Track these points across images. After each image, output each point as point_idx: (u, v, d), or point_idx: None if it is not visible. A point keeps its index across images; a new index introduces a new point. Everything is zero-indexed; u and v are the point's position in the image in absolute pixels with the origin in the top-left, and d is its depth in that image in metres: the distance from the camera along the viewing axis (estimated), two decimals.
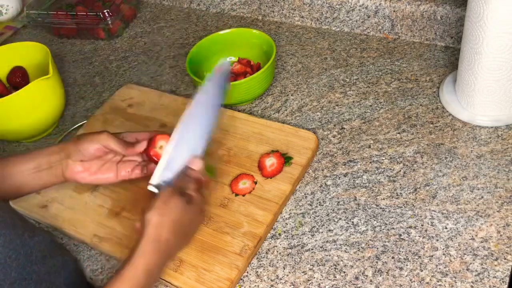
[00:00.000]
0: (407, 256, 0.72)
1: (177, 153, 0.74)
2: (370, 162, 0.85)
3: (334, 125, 0.93)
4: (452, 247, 0.71)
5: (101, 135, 0.78)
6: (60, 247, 0.76)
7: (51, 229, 0.86)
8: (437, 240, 0.73)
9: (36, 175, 0.77)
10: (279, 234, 0.78)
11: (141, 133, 0.82)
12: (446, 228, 0.74)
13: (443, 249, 0.71)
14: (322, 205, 0.80)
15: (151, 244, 0.65)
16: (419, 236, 0.73)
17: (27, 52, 1.08)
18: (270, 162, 0.85)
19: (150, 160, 0.79)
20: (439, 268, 0.69)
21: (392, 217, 0.77)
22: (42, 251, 0.67)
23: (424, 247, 0.72)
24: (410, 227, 0.75)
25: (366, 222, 0.77)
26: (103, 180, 0.80)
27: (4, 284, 0.60)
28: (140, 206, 0.75)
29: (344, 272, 0.72)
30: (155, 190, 0.71)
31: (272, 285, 0.72)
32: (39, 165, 0.77)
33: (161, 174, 0.72)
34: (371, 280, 0.70)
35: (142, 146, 0.79)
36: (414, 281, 0.69)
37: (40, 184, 0.79)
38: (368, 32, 1.11)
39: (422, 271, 0.70)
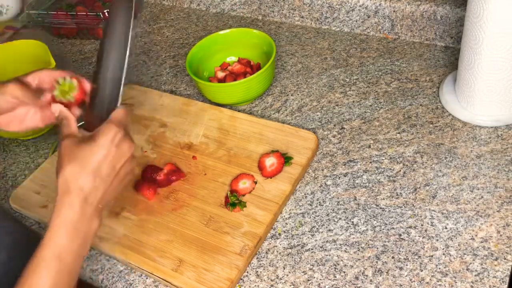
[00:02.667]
0: (407, 256, 0.72)
1: (99, 88, 0.69)
2: (370, 162, 0.85)
3: (334, 125, 0.93)
4: (452, 247, 0.71)
5: (8, 86, 0.70)
6: (29, 238, 0.72)
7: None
8: (437, 240, 0.73)
9: None
10: (279, 234, 0.78)
11: (53, 71, 0.74)
12: (446, 228, 0.74)
13: (443, 249, 0.71)
14: (322, 205, 0.80)
15: (61, 198, 0.59)
16: (419, 236, 0.73)
17: (26, 51, 1.08)
18: (270, 162, 0.85)
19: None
20: (439, 268, 0.69)
21: (392, 217, 0.77)
22: (10, 242, 0.67)
23: (424, 247, 0.72)
24: (410, 227, 0.75)
25: (366, 222, 0.77)
26: (33, 126, 0.74)
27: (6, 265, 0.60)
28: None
29: (344, 272, 0.72)
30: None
31: (272, 285, 0.72)
32: None
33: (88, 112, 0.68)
34: (371, 280, 0.70)
35: (47, 96, 0.72)
36: (414, 281, 0.69)
37: None
38: (368, 32, 1.11)
39: (422, 271, 0.70)
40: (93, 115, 0.69)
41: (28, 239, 0.65)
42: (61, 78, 0.71)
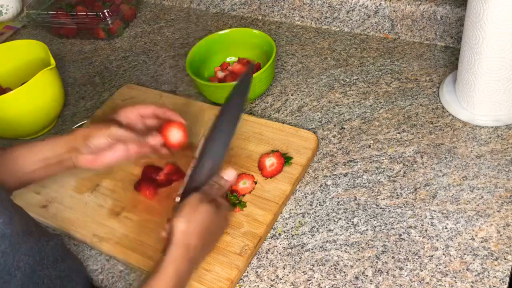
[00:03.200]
0: (407, 256, 0.72)
1: (202, 164, 0.74)
2: (370, 162, 0.85)
3: (334, 125, 0.93)
4: (452, 247, 0.71)
5: (111, 129, 0.76)
6: (69, 252, 0.76)
7: (51, 229, 0.86)
8: (437, 240, 0.73)
9: (44, 168, 0.76)
10: (279, 234, 0.78)
11: (143, 107, 0.81)
12: (446, 228, 0.74)
13: (443, 249, 0.71)
14: (322, 205, 0.80)
15: (180, 250, 0.65)
16: (419, 236, 0.73)
17: (26, 50, 1.08)
18: (270, 162, 0.85)
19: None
20: (439, 268, 0.69)
21: (392, 217, 0.77)
22: (54, 255, 0.67)
23: (424, 247, 0.72)
24: (410, 227, 0.75)
25: (366, 222, 0.77)
26: (116, 160, 0.79)
27: None
28: (159, 213, 0.79)
29: (344, 272, 0.72)
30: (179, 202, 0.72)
31: (272, 285, 0.72)
32: (47, 159, 0.76)
33: (188, 185, 0.73)
34: (371, 280, 0.70)
35: (155, 139, 0.79)
36: (414, 281, 0.69)
37: (50, 174, 0.78)
38: (368, 32, 1.11)
39: (422, 271, 0.70)
40: (191, 183, 0.74)
41: (28, 230, 0.66)
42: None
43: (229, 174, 0.74)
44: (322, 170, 0.86)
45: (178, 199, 0.72)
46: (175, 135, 0.80)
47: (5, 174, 0.74)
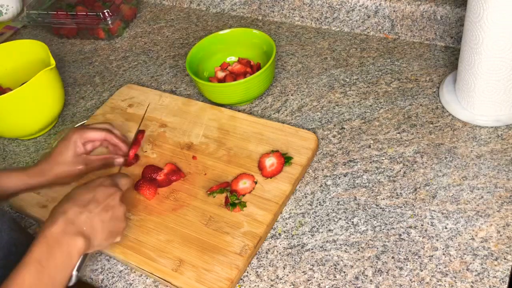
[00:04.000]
0: (407, 256, 0.72)
1: None
2: (370, 162, 0.85)
3: (334, 125, 0.93)
4: (452, 247, 0.71)
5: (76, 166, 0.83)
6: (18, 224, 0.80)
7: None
8: (437, 240, 0.73)
9: (29, 188, 0.82)
10: (279, 234, 0.78)
11: (94, 133, 0.86)
12: (446, 228, 0.74)
13: (443, 249, 0.71)
14: (322, 205, 0.80)
15: (47, 220, 0.66)
16: (419, 236, 0.73)
17: (26, 50, 1.08)
18: (270, 162, 0.85)
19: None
20: (439, 268, 0.69)
21: (392, 217, 0.77)
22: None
23: (424, 247, 0.72)
24: (410, 227, 0.75)
25: (366, 222, 0.77)
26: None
27: None
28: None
29: (344, 272, 0.72)
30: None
31: (272, 285, 0.72)
32: (28, 183, 0.81)
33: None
34: (371, 280, 0.70)
35: (121, 161, 0.88)
36: (414, 281, 0.69)
37: (35, 190, 0.84)
38: (368, 32, 1.11)
39: (422, 271, 0.70)
40: None
41: (26, 240, 0.68)
42: None
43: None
44: (322, 170, 0.86)
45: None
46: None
47: None
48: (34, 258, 0.62)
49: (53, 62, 0.98)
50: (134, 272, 0.78)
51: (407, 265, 0.71)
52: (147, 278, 0.77)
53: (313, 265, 0.73)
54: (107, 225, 0.69)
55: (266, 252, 0.76)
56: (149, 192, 0.85)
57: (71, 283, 0.67)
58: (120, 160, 0.87)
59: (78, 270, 0.67)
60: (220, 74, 1.04)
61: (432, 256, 0.71)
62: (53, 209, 0.68)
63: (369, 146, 0.87)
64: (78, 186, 0.72)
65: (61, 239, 0.64)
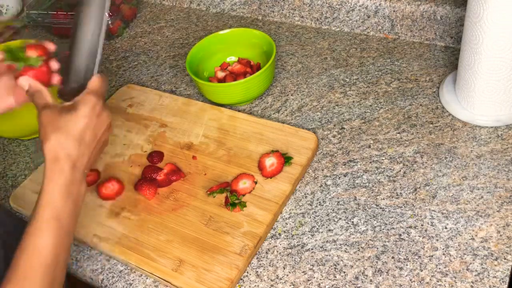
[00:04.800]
0: (407, 256, 0.72)
1: (76, 57, 0.70)
2: (370, 162, 0.85)
3: (334, 125, 0.93)
4: (452, 247, 0.71)
5: None
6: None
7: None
8: (437, 240, 0.73)
9: None
10: (279, 234, 0.78)
11: None
12: (446, 228, 0.74)
13: (443, 249, 0.71)
14: (322, 205, 0.80)
15: (51, 166, 0.62)
16: (419, 236, 0.73)
17: None
18: (270, 162, 0.85)
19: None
20: (439, 268, 0.69)
21: (392, 217, 0.77)
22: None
23: (424, 247, 0.72)
24: (410, 227, 0.75)
25: (366, 222, 0.77)
26: (6, 107, 0.74)
27: None
28: None
29: (344, 272, 0.72)
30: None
31: (272, 285, 0.72)
32: None
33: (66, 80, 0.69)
34: (371, 280, 0.70)
35: (25, 81, 0.71)
36: (414, 281, 0.69)
37: None
38: (368, 32, 1.11)
39: (422, 271, 0.70)
40: (68, 84, 0.70)
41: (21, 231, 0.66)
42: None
43: (93, 82, 0.69)
44: (322, 170, 0.86)
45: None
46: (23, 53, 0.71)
47: None
48: (51, 215, 0.59)
49: None
50: (134, 272, 0.78)
51: (407, 265, 0.71)
52: (147, 278, 0.77)
53: (313, 265, 0.73)
54: (99, 155, 0.68)
55: (266, 252, 0.76)
56: (149, 192, 0.85)
57: None
58: (55, 64, 0.73)
59: None
60: (220, 74, 1.04)
61: (432, 256, 0.71)
62: (49, 147, 0.62)
63: (369, 146, 0.87)
64: (65, 110, 0.64)
65: (71, 188, 0.62)
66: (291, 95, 1.01)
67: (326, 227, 0.77)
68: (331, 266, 0.73)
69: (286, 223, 0.79)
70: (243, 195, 0.82)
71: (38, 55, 0.71)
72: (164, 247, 0.78)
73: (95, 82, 0.69)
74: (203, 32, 1.24)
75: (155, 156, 0.91)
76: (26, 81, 0.68)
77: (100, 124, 0.67)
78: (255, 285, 0.73)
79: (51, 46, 0.73)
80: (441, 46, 1.04)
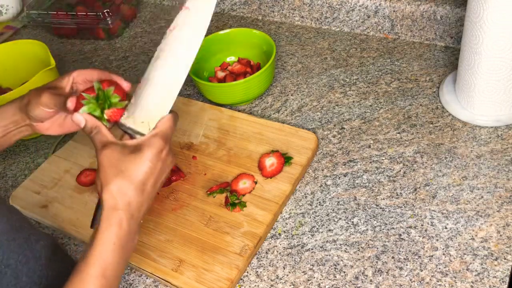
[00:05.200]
0: (407, 256, 0.72)
1: (146, 96, 0.65)
2: (370, 162, 0.85)
3: (334, 125, 0.93)
4: (452, 247, 0.71)
5: (41, 97, 0.69)
6: (62, 251, 0.74)
7: (51, 230, 0.86)
8: (437, 240, 0.73)
9: (4, 137, 0.72)
10: (279, 234, 0.78)
11: (89, 72, 0.71)
12: (446, 228, 0.74)
13: (443, 249, 0.71)
14: (322, 205, 0.80)
15: (109, 214, 0.59)
16: (419, 236, 0.73)
17: (26, 50, 1.08)
18: (270, 162, 0.85)
19: None
20: (439, 268, 0.69)
21: (392, 217, 0.77)
22: (48, 255, 0.65)
23: (424, 247, 0.72)
24: (410, 227, 0.75)
25: (366, 222, 0.77)
26: (73, 129, 0.74)
27: None
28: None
29: (344, 272, 0.72)
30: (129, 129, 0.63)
31: (272, 285, 0.72)
32: (5, 129, 0.72)
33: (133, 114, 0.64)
34: (371, 280, 0.70)
35: (71, 104, 0.68)
36: (414, 281, 0.69)
37: (11, 143, 0.74)
38: (368, 32, 1.11)
39: (422, 271, 0.70)
40: (135, 119, 0.64)
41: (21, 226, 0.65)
42: (88, 95, 0.66)
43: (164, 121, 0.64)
44: (322, 170, 0.86)
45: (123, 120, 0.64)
46: (112, 97, 0.68)
47: None
48: (99, 271, 0.57)
49: (53, 62, 0.98)
50: (134, 272, 0.78)
51: (407, 265, 0.71)
52: (147, 278, 0.77)
53: (313, 265, 0.73)
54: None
55: (266, 252, 0.76)
56: None
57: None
58: (127, 84, 0.71)
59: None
60: (220, 74, 1.04)
61: (432, 256, 0.71)
62: (109, 193, 0.58)
63: (369, 146, 0.87)
64: (128, 151, 0.60)
65: (125, 242, 0.59)
66: (291, 95, 1.01)
67: (326, 227, 0.77)
68: (331, 266, 0.73)
69: (286, 223, 0.79)
70: (243, 195, 0.82)
71: (116, 94, 0.67)
72: (164, 247, 0.78)
73: (165, 123, 0.63)
74: None
75: None
76: (82, 117, 0.64)
77: (163, 171, 0.62)
78: (255, 285, 0.73)
79: (126, 85, 0.70)
80: (441, 46, 1.04)
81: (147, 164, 0.60)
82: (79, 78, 0.71)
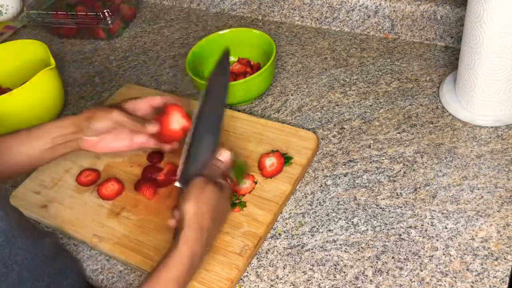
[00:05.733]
0: (407, 256, 0.72)
1: (198, 144, 0.76)
2: (370, 162, 0.85)
3: (334, 125, 0.93)
4: (452, 247, 0.71)
5: (112, 113, 0.78)
6: (63, 248, 0.76)
7: (51, 229, 0.86)
8: (437, 240, 0.73)
9: (50, 149, 0.77)
10: (279, 234, 0.78)
11: (152, 98, 0.84)
12: (446, 228, 0.74)
13: (443, 249, 0.71)
14: (322, 205, 0.80)
15: (194, 232, 0.66)
16: (419, 236, 0.73)
17: (26, 50, 1.08)
18: (270, 162, 0.85)
19: (165, 137, 0.82)
20: (439, 268, 0.69)
21: (392, 217, 0.77)
22: (52, 252, 0.68)
23: (424, 247, 0.72)
24: (410, 227, 0.75)
25: (366, 222, 0.77)
26: (119, 148, 0.81)
27: (19, 285, 0.60)
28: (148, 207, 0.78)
29: (344, 272, 0.72)
30: (180, 185, 0.73)
31: (272, 285, 0.72)
32: (53, 141, 0.77)
33: (186, 168, 0.74)
34: (371, 280, 0.70)
35: (154, 128, 0.81)
36: (414, 281, 0.69)
37: (54, 157, 0.79)
38: (368, 32, 1.11)
39: (422, 271, 0.70)
40: (187, 172, 0.75)
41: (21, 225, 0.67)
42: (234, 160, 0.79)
43: (223, 155, 0.77)
44: (322, 170, 0.86)
45: (178, 183, 0.73)
46: (177, 120, 0.81)
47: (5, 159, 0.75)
48: (170, 278, 0.63)
49: (53, 62, 0.98)
50: (134, 272, 0.78)
51: (407, 265, 0.71)
52: None
53: (313, 265, 0.73)
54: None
55: (266, 252, 0.76)
56: (148, 192, 0.85)
57: None
58: (168, 147, 0.84)
59: None
60: None
61: (432, 256, 0.71)
62: (190, 214, 0.67)
63: (369, 146, 0.87)
64: (212, 185, 0.70)
65: (195, 261, 0.66)
66: (291, 95, 1.01)
67: (326, 227, 0.77)
68: (331, 266, 0.73)
69: (286, 223, 0.79)
70: (243, 195, 0.82)
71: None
72: (164, 247, 0.78)
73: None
74: (203, 32, 1.24)
75: (155, 156, 0.91)
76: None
77: (227, 211, 0.75)
78: (255, 285, 0.73)
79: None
80: (441, 46, 1.04)
81: (224, 201, 0.73)
82: (143, 104, 0.83)
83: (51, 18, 1.29)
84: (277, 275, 0.73)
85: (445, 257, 0.70)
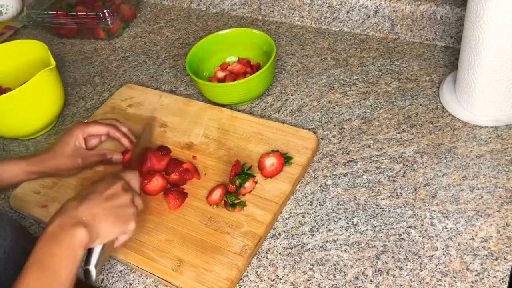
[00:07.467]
0: (407, 256, 0.72)
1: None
2: (370, 162, 0.85)
3: (334, 125, 0.93)
4: (452, 247, 0.71)
5: (75, 160, 0.85)
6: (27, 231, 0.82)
7: None
8: (437, 240, 0.73)
9: (27, 176, 0.85)
10: (279, 234, 0.78)
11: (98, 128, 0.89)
12: (446, 228, 0.74)
13: (443, 249, 0.71)
14: (322, 205, 0.80)
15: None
16: (419, 236, 0.73)
17: (26, 50, 1.08)
18: (270, 162, 0.85)
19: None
20: (439, 268, 0.69)
21: (392, 217, 0.77)
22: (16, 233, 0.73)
23: (424, 247, 0.72)
24: (410, 227, 0.75)
25: (366, 222, 0.77)
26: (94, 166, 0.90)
27: None
28: None
29: (344, 272, 0.72)
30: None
31: (272, 285, 0.72)
32: (27, 171, 0.83)
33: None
34: (371, 280, 0.70)
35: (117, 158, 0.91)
36: (414, 281, 0.69)
37: (33, 179, 0.86)
38: (368, 32, 1.11)
39: (422, 271, 0.70)
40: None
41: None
42: None
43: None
44: (322, 170, 0.86)
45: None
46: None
47: None
48: (35, 260, 0.61)
49: (53, 62, 0.98)
50: (134, 272, 0.78)
51: (407, 265, 0.71)
52: (147, 278, 0.77)
53: (313, 265, 0.73)
54: (110, 211, 0.67)
55: (266, 252, 0.76)
56: (174, 203, 0.83)
57: (92, 280, 0.66)
58: (117, 157, 0.89)
59: (95, 266, 0.66)
60: (220, 74, 1.04)
61: (432, 256, 0.71)
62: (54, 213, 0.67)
63: (369, 146, 0.87)
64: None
65: (59, 234, 0.63)
66: (291, 95, 1.01)
67: (326, 227, 0.77)
68: (331, 266, 0.73)
69: (286, 223, 0.79)
70: (243, 195, 0.82)
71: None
72: (164, 247, 0.78)
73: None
74: (203, 32, 1.24)
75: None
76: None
77: (105, 184, 0.71)
78: (255, 285, 0.73)
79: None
80: (441, 46, 1.04)
81: (89, 185, 0.73)
82: (83, 135, 0.87)
83: (51, 18, 1.29)
84: (277, 275, 0.73)
85: (445, 257, 0.70)
